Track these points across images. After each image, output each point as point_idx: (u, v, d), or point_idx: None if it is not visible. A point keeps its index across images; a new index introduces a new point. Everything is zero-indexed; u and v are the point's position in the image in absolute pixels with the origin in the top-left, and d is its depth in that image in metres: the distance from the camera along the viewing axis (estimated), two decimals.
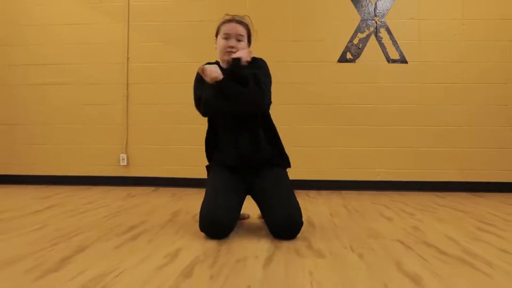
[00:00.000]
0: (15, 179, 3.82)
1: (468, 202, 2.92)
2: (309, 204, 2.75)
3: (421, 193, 3.44)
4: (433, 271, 1.30)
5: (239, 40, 1.89)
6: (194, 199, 2.88)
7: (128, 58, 3.78)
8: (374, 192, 3.47)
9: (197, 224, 1.77)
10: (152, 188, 3.59)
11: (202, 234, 1.76)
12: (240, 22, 1.94)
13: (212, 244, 1.63)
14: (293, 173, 2.10)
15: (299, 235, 1.76)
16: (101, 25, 3.81)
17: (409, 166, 3.58)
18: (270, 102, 1.95)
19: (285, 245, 1.63)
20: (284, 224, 1.71)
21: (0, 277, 1.21)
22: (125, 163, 3.74)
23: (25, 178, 3.81)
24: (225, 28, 1.90)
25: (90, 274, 1.24)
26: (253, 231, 1.89)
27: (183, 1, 3.75)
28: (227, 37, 1.88)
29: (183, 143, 3.70)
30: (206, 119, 2.03)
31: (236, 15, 1.97)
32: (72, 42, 3.82)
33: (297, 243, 1.65)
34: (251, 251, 1.53)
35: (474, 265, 1.38)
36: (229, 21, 1.93)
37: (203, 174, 2.12)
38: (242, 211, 2.08)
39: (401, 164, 3.59)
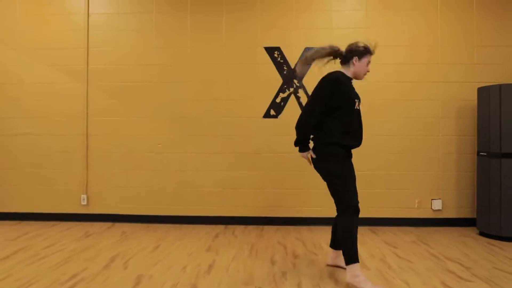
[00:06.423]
0: None
1: None
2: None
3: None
4: None
5: None
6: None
7: (87, 113, 4.46)
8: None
9: None
10: (110, 225, 4.26)
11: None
12: None
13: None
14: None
15: None
16: (64, 84, 4.48)
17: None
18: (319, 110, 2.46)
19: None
20: None
21: (175, 272, 2.56)
22: (85, 203, 4.42)
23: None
24: (370, 59, 2.58)
25: (225, 281, 2.45)
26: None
27: (134, 66, 4.44)
28: (368, 64, 2.55)
29: (139, 185, 4.39)
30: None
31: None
32: (40, 98, 4.49)
33: None
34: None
35: None
36: (372, 54, 2.58)
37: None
38: None
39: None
